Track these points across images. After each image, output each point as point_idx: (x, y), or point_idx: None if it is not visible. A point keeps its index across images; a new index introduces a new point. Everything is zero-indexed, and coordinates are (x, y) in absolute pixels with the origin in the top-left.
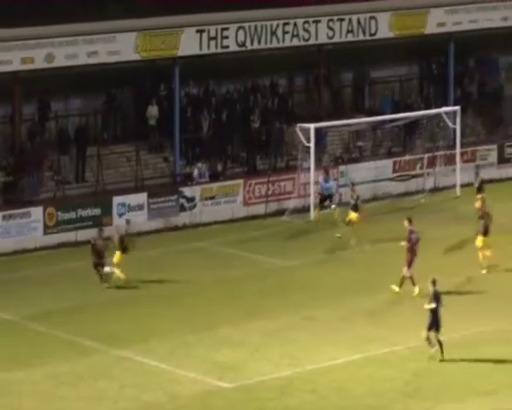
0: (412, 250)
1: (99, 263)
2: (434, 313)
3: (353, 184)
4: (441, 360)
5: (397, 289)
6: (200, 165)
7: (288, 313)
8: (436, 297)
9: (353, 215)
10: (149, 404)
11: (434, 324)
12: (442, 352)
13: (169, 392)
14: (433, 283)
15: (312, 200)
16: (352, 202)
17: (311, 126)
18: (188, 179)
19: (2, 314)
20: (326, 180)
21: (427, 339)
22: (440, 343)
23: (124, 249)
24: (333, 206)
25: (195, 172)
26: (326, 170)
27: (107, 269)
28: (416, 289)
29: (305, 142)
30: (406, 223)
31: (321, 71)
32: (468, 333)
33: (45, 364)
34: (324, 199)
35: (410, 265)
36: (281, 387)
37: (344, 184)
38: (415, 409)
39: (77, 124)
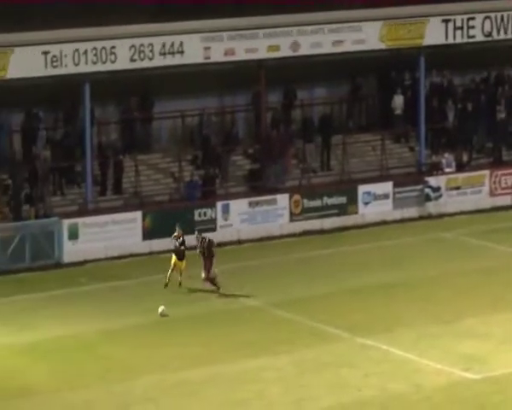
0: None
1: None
2: None
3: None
4: None
5: None
6: (447, 155)
7: None
8: None
9: None
10: (394, 394)
11: None
12: None
13: (414, 382)
14: None
15: None
16: None
17: None
18: (434, 169)
19: (249, 300)
20: None
21: None
22: None
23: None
24: None
25: (443, 162)
26: None
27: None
28: None
29: None
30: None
31: None
32: None
33: (289, 351)
34: None
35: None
36: None
37: None
38: None
39: (321, 112)
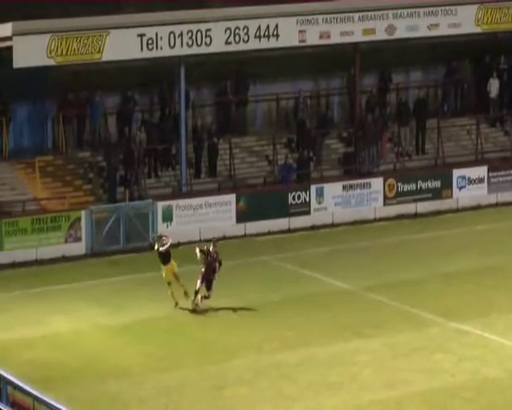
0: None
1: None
2: None
3: None
4: None
5: None
6: None
7: None
8: None
9: None
10: (488, 379)
11: None
12: None
13: (508, 368)
14: None
15: None
16: None
17: None
18: None
19: (341, 284)
20: None
21: None
22: None
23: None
24: None
25: None
26: None
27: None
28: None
29: None
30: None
31: None
32: None
33: (381, 334)
34: None
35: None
36: None
37: None
38: None
39: (416, 96)
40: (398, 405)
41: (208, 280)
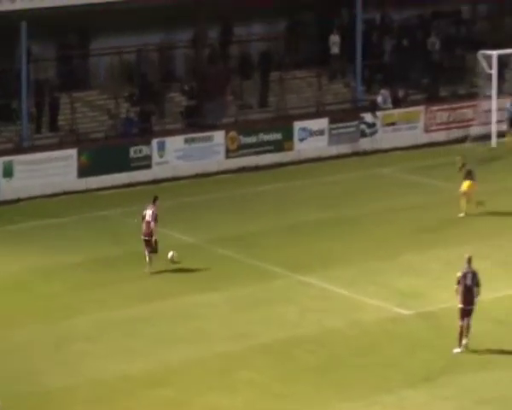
0: None
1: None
2: None
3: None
4: None
5: None
6: (383, 91)
7: (473, 241)
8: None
9: None
10: (331, 330)
11: None
12: None
13: (351, 318)
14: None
15: (494, 127)
16: None
17: (494, 53)
18: (371, 105)
19: (186, 237)
20: None
21: None
22: None
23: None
24: None
25: (379, 99)
26: None
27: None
28: None
29: (485, 69)
30: None
31: None
32: None
33: (226, 288)
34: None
35: None
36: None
37: None
38: None
39: (260, 49)
40: (242, 357)
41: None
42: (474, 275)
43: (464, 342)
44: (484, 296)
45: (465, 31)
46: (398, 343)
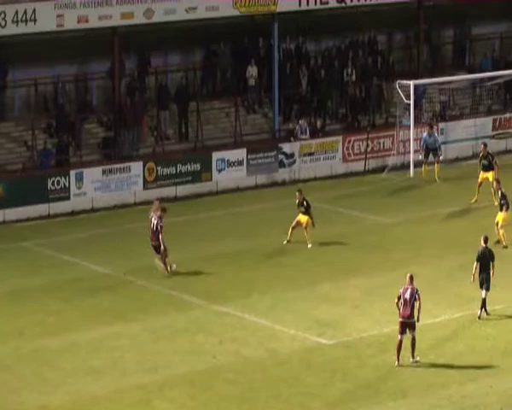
0: None
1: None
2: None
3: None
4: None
5: None
6: (301, 121)
7: (389, 270)
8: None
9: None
10: (249, 359)
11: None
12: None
13: (269, 348)
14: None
15: (412, 157)
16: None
17: (411, 83)
18: (289, 136)
19: (103, 268)
20: (430, 135)
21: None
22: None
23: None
24: (441, 157)
25: (297, 129)
26: (430, 125)
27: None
28: None
29: (404, 98)
30: None
31: (421, 27)
32: None
33: (143, 318)
34: (428, 154)
35: None
36: (381, 344)
37: (444, 142)
38: None
39: (176, 79)
40: (160, 388)
41: None
42: (414, 291)
43: (417, 358)
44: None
45: (381, 61)
46: (316, 373)
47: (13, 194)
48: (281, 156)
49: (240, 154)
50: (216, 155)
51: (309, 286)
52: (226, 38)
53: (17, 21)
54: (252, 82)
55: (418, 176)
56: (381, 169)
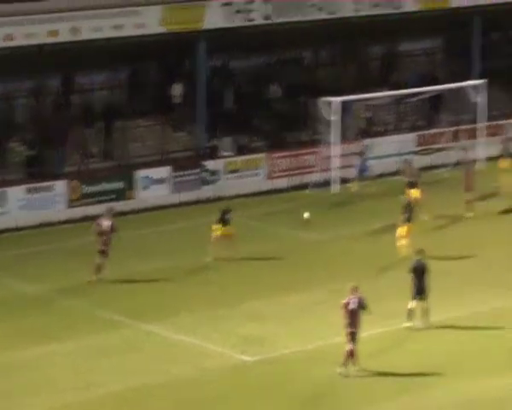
0: None
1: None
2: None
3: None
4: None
5: None
6: (226, 138)
7: (316, 287)
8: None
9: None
10: (178, 378)
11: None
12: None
13: (197, 366)
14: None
15: (334, 174)
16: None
17: (334, 100)
18: (214, 153)
19: (30, 288)
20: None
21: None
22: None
23: None
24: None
25: (222, 145)
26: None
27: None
28: None
29: (327, 115)
30: None
31: (346, 44)
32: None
33: (74, 337)
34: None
35: None
36: (307, 360)
37: (369, 158)
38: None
39: (103, 98)
40: (92, 407)
41: None
42: (359, 300)
43: (356, 368)
44: (327, 341)
45: (307, 77)
46: (243, 390)
47: None
48: (205, 174)
49: (164, 172)
50: (140, 173)
51: (235, 304)
52: (152, 56)
53: None
54: (177, 100)
55: (342, 192)
56: (305, 186)
